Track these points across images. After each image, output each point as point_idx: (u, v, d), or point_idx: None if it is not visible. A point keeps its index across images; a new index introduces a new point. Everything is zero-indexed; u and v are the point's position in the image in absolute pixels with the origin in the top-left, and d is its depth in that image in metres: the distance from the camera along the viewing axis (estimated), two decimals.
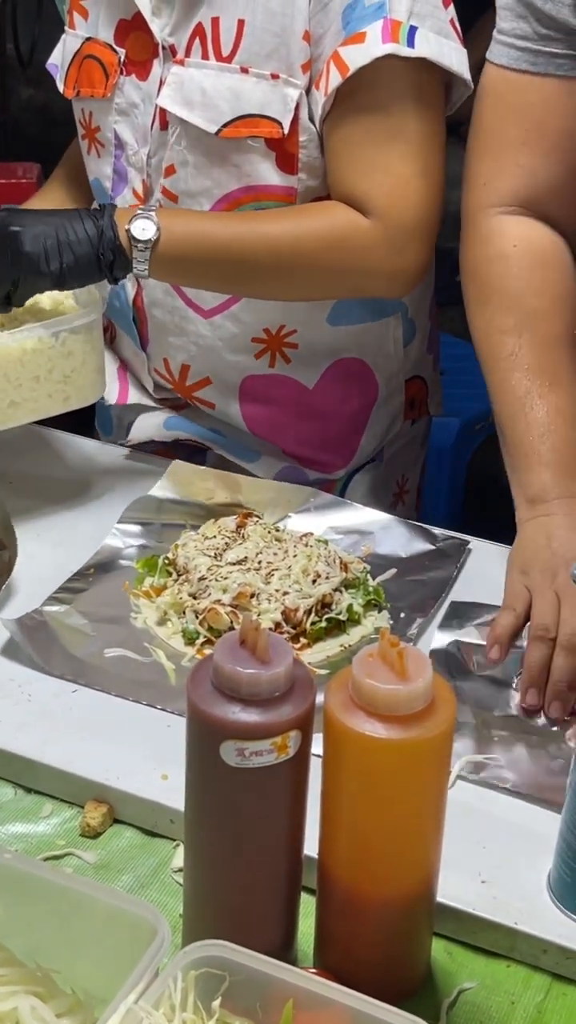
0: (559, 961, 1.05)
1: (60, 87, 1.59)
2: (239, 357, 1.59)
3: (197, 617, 1.33)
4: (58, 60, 1.60)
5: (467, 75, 1.43)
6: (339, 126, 1.43)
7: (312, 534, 1.44)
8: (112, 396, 1.68)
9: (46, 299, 1.53)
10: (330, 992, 0.89)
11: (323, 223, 1.44)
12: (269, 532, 1.43)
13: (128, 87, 1.51)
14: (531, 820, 1.14)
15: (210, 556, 1.38)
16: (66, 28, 1.58)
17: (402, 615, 1.38)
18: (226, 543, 1.41)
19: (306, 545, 1.40)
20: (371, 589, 1.39)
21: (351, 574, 1.39)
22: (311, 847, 1.00)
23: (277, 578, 1.35)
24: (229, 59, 1.43)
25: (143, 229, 1.40)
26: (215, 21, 1.43)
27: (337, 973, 0.97)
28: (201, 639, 1.32)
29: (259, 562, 1.37)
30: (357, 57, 1.37)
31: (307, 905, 1.04)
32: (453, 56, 1.41)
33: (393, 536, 1.49)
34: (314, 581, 1.35)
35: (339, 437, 1.65)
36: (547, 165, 1.39)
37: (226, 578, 1.34)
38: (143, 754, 1.20)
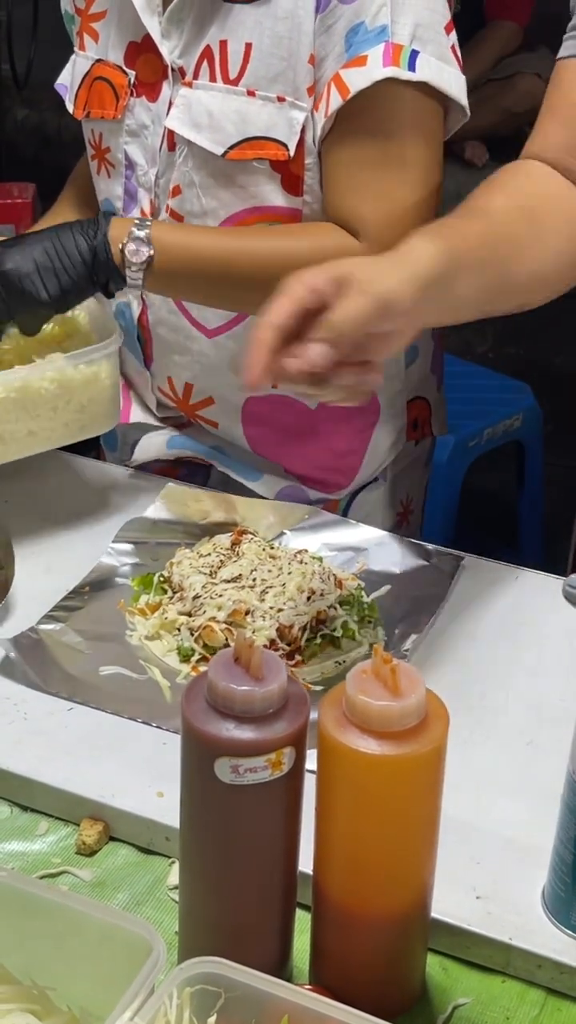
0: (554, 976, 1.05)
1: (70, 108, 1.60)
2: (240, 380, 1.59)
3: (192, 635, 1.34)
4: (67, 81, 1.61)
5: (465, 101, 1.43)
6: (337, 148, 1.43)
7: (307, 551, 1.44)
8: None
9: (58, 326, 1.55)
10: (325, 1009, 0.89)
11: (314, 243, 1.44)
12: (264, 549, 1.43)
13: (138, 108, 1.52)
14: (525, 835, 1.15)
15: (205, 574, 1.39)
16: (75, 50, 1.59)
17: (396, 631, 1.38)
18: (221, 561, 1.41)
19: (301, 562, 1.41)
20: (365, 606, 1.39)
21: (345, 591, 1.39)
22: (306, 863, 1.01)
23: (272, 595, 1.36)
24: (236, 82, 1.44)
25: (137, 251, 1.40)
26: (223, 44, 1.44)
27: (332, 989, 0.98)
28: (196, 656, 1.33)
29: (254, 579, 1.37)
30: (358, 80, 1.38)
31: (302, 921, 1.05)
32: (453, 82, 1.41)
33: (387, 553, 1.50)
34: (309, 598, 1.36)
35: (341, 458, 1.65)
36: (565, 133, 1.38)
37: (221, 595, 1.35)
38: (138, 772, 1.20)
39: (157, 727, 1.26)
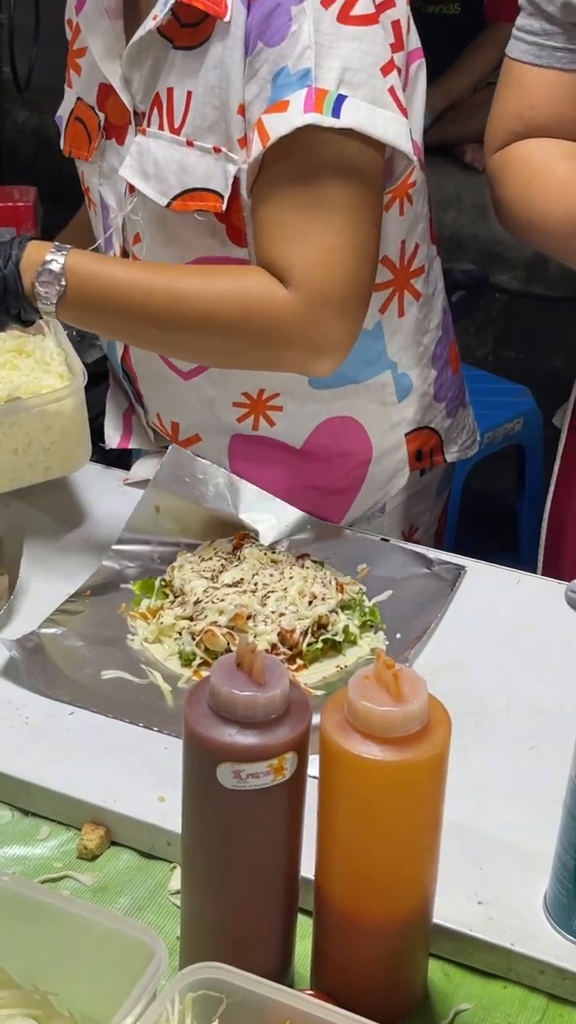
0: (556, 982, 1.05)
1: (61, 143, 1.59)
2: (223, 419, 1.58)
3: (194, 639, 1.34)
4: (63, 114, 1.60)
5: (404, 145, 1.36)
6: (264, 194, 1.37)
7: (308, 555, 1.44)
8: (113, 442, 1.69)
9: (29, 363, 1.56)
10: (327, 1014, 0.89)
11: (237, 286, 1.38)
12: (265, 554, 1.43)
13: (109, 151, 1.51)
14: (527, 840, 1.15)
15: (207, 578, 1.39)
16: (65, 85, 1.58)
17: (398, 636, 1.38)
18: (222, 565, 1.41)
19: (302, 566, 1.40)
20: (367, 610, 1.39)
21: (347, 595, 1.39)
22: (308, 869, 1.01)
23: (273, 600, 1.36)
24: (178, 131, 1.42)
25: (48, 283, 1.35)
26: (170, 92, 1.42)
27: (334, 995, 0.97)
28: (198, 661, 1.33)
29: (255, 584, 1.37)
30: (278, 126, 1.32)
31: (304, 927, 1.05)
32: (389, 126, 1.34)
33: (388, 559, 1.50)
34: (310, 602, 1.36)
35: (333, 494, 1.63)
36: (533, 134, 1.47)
37: (222, 600, 1.35)
38: (140, 777, 1.20)
39: (159, 731, 1.26)
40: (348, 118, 1.32)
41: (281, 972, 1.02)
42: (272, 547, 1.47)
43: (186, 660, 1.34)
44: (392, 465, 1.64)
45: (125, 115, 1.48)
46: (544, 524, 1.72)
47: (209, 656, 1.32)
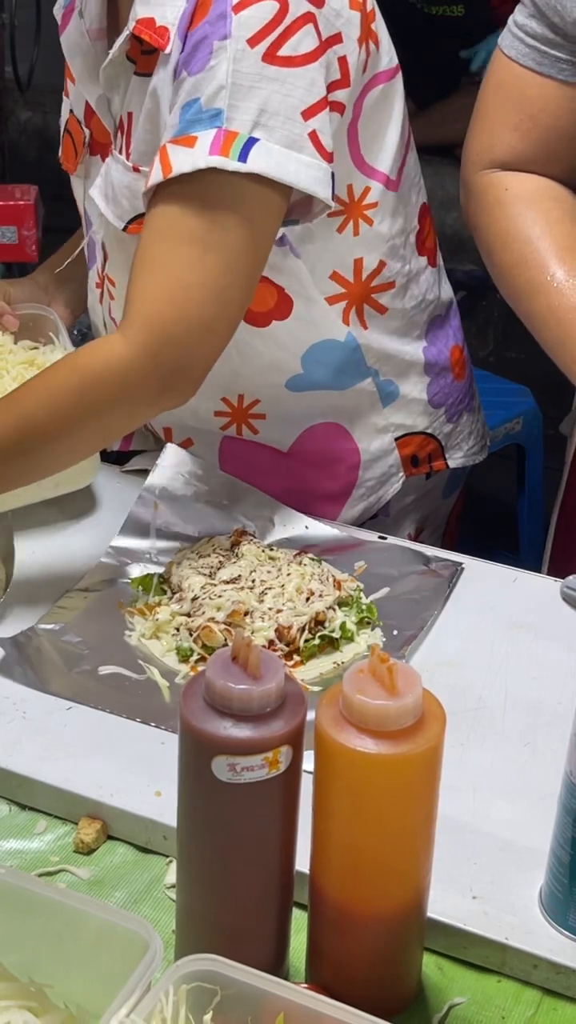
0: (550, 976, 1.06)
1: (59, 153, 1.60)
2: (208, 426, 1.59)
3: (191, 635, 1.34)
4: (61, 124, 1.60)
5: (320, 191, 1.32)
6: (149, 217, 1.35)
7: (306, 552, 1.45)
8: (115, 444, 1.69)
9: None
10: (321, 1007, 0.90)
11: (67, 369, 1.36)
12: (263, 551, 1.44)
13: (93, 168, 1.52)
14: (522, 836, 1.15)
15: (204, 575, 1.39)
16: (63, 94, 1.58)
17: (395, 633, 1.39)
18: (220, 562, 1.42)
19: (300, 564, 1.41)
20: (364, 607, 1.39)
21: (344, 592, 1.40)
22: (303, 863, 1.01)
23: (271, 596, 1.36)
24: (129, 156, 1.42)
25: None
26: (130, 116, 1.42)
27: (329, 988, 0.98)
28: (195, 657, 1.33)
29: (253, 580, 1.38)
30: (183, 161, 1.29)
31: (299, 921, 1.05)
32: (301, 172, 1.30)
33: (386, 557, 1.50)
34: (307, 599, 1.36)
35: (326, 496, 1.63)
36: (534, 152, 1.46)
37: (220, 596, 1.35)
38: (137, 771, 1.20)
39: (155, 727, 1.26)
40: (255, 163, 1.29)
41: (276, 966, 1.02)
42: (270, 544, 1.48)
43: (183, 656, 1.34)
44: (384, 469, 1.64)
45: (107, 134, 1.48)
46: (552, 529, 1.72)
47: (206, 652, 1.32)
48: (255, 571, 1.39)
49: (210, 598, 1.35)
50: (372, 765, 0.93)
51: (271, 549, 1.45)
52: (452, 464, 1.68)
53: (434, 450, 1.67)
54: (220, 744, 0.92)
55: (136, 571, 1.46)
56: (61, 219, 2.84)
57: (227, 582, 1.38)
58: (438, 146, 3.67)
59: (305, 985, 0.99)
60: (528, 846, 1.13)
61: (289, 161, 1.30)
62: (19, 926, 0.97)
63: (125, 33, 1.37)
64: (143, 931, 0.93)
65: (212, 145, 1.28)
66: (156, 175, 1.31)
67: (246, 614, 1.33)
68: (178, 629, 1.36)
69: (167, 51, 1.33)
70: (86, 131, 1.52)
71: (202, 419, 1.58)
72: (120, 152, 1.44)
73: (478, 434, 1.73)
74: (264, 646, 1.30)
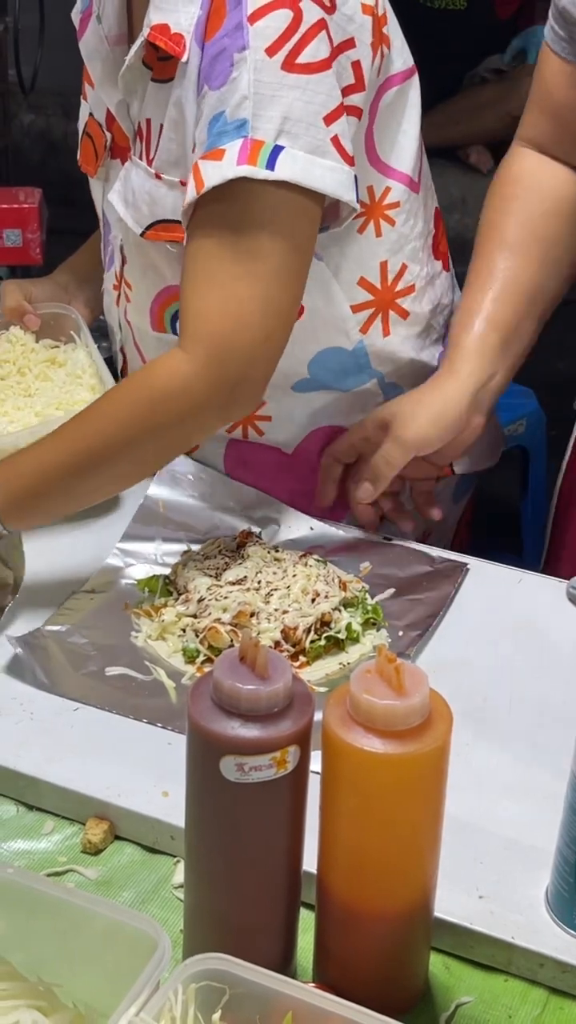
0: (556, 975, 1.06)
1: (78, 154, 1.60)
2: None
3: (197, 636, 1.34)
4: (80, 127, 1.61)
5: (345, 195, 1.35)
6: (192, 238, 1.37)
7: (311, 553, 1.45)
8: None
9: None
10: (329, 1005, 0.90)
11: (140, 395, 1.38)
12: (269, 552, 1.44)
13: (113, 171, 1.52)
14: (528, 835, 1.15)
15: (210, 576, 1.40)
16: (81, 97, 1.59)
17: (400, 633, 1.39)
18: (226, 563, 1.42)
19: (305, 565, 1.41)
20: (369, 608, 1.40)
21: (350, 593, 1.40)
22: (310, 863, 1.02)
23: (277, 597, 1.36)
24: (151, 163, 1.43)
25: None
26: (148, 122, 1.43)
27: (336, 988, 0.98)
28: (202, 658, 1.34)
29: (258, 582, 1.38)
30: (212, 174, 1.31)
31: (306, 920, 1.05)
32: (327, 177, 1.33)
33: (391, 557, 1.50)
34: (313, 600, 1.36)
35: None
36: (553, 130, 1.53)
37: (226, 597, 1.36)
38: (144, 772, 1.21)
39: (162, 727, 1.26)
40: (283, 170, 1.30)
41: (283, 965, 1.03)
42: (275, 546, 1.48)
43: (190, 657, 1.34)
44: None
45: (127, 138, 1.49)
46: (548, 527, 1.73)
47: (213, 653, 1.33)
48: (261, 572, 1.40)
49: (216, 599, 1.36)
50: (379, 764, 0.93)
51: (276, 550, 1.46)
52: (458, 470, 1.69)
53: None
54: (228, 744, 0.93)
55: (142, 572, 1.46)
56: (65, 222, 2.85)
57: (233, 583, 1.38)
58: (441, 148, 3.68)
59: (312, 984, 1.00)
60: (534, 845, 1.14)
61: (314, 167, 1.32)
62: (28, 925, 0.98)
63: (140, 39, 1.38)
64: (151, 930, 0.93)
65: (240, 155, 1.30)
66: (191, 193, 1.33)
67: (252, 615, 1.34)
68: (184, 630, 1.36)
69: (184, 59, 1.34)
70: (107, 134, 1.52)
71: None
72: (140, 158, 1.45)
73: (487, 440, 1.73)
74: (270, 647, 1.30)
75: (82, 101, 1.59)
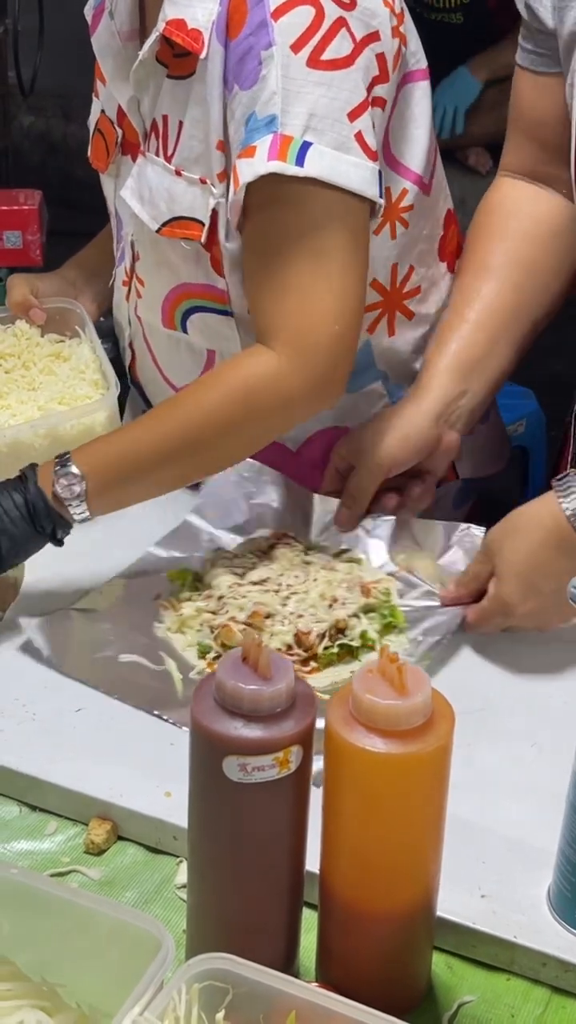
0: (558, 974, 1.06)
1: (89, 151, 1.61)
2: None
3: (212, 632, 1.35)
4: (90, 123, 1.61)
5: (369, 191, 1.36)
6: (251, 242, 1.39)
7: (349, 550, 1.45)
8: None
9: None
10: (333, 1004, 0.90)
11: (234, 387, 1.40)
12: (299, 554, 1.44)
13: (124, 167, 1.53)
14: (530, 835, 1.16)
15: (237, 575, 1.40)
16: (93, 94, 1.60)
17: (420, 639, 1.37)
18: (254, 563, 1.42)
19: (332, 569, 1.40)
20: (386, 612, 1.38)
21: (372, 598, 1.38)
22: (312, 863, 1.02)
23: (294, 601, 1.36)
24: (169, 159, 1.44)
25: (68, 487, 1.35)
26: (165, 119, 1.44)
27: (339, 987, 0.98)
28: (213, 654, 1.34)
29: (280, 584, 1.38)
30: (246, 172, 1.33)
31: (309, 920, 1.05)
32: (352, 173, 1.34)
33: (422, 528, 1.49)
34: (330, 606, 1.36)
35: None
36: (533, 147, 1.52)
37: (244, 597, 1.36)
38: (146, 772, 1.21)
39: (158, 716, 1.27)
40: (311, 167, 1.32)
41: (286, 965, 1.03)
42: (309, 547, 1.47)
43: (202, 652, 1.35)
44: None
45: (138, 134, 1.49)
46: None
47: (224, 650, 1.32)
48: (284, 574, 1.40)
49: (235, 598, 1.36)
50: (381, 764, 0.94)
51: (306, 553, 1.45)
52: (461, 474, 1.69)
53: None
54: (231, 744, 0.93)
55: (176, 563, 1.47)
56: (65, 224, 2.85)
57: (255, 583, 1.38)
58: (441, 149, 3.68)
59: (315, 984, 1.00)
60: (536, 845, 1.14)
61: (340, 163, 1.34)
62: (31, 926, 0.98)
63: (155, 35, 1.39)
64: (155, 930, 0.93)
65: (270, 151, 1.32)
66: (232, 193, 1.36)
67: (267, 616, 1.33)
68: (203, 626, 1.36)
69: (203, 56, 1.35)
70: (118, 131, 1.53)
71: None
72: (156, 154, 1.45)
73: (491, 445, 1.73)
74: (281, 650, 1.31)
75: (94, 98, 1.59)
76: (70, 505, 1.35)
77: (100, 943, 0.96)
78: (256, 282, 1.41)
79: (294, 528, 1.51)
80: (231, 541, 1.49)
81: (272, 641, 1.32)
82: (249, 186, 1.34)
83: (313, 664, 1.33)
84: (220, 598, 1.37)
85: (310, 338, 1.38)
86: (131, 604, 1.41)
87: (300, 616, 1.34)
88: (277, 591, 1.37)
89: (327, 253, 1.37)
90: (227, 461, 1.48)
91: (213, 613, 1.37)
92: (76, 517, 1.36)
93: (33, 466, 1.38)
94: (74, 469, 1.35)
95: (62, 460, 1.36)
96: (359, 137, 1.35)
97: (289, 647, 1.32)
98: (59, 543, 1.38)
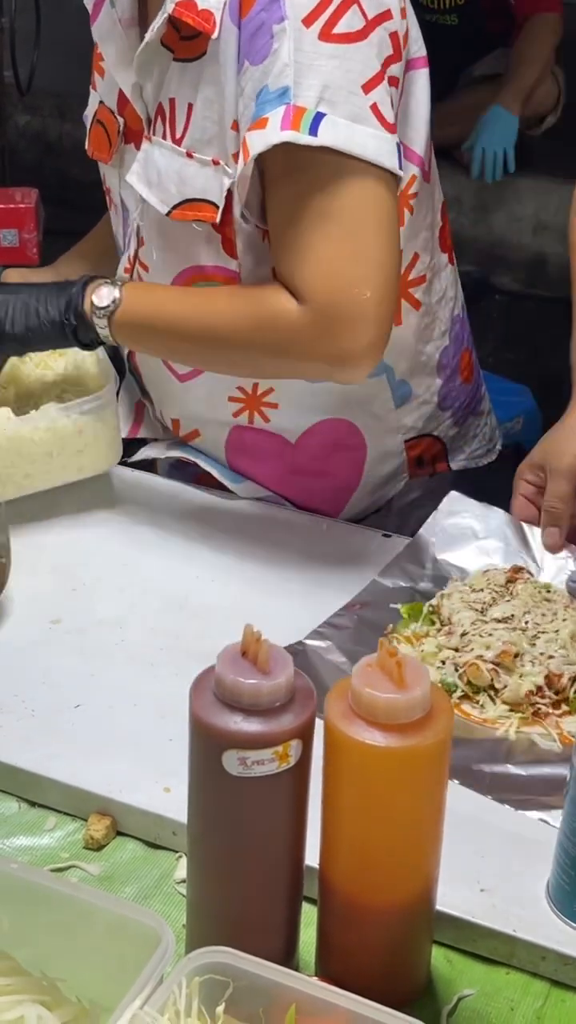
0: (558, 968, 1.06)
1: (86, 144, 1.61)
2: (219, 415, 1.60)
3: (457, 670, 1.30)
4: (88, 116, 1.61)
5: (387, 161, 1.34)
6: (272, 210, 1.40)
7: None
8: (124, 431, 1.70)
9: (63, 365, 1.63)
10: (332, 997, 0.90)
11: (255, 305, 1.41)
12: (539, 591, 1.40)
13: (128, 155, 1.53)
14: (529, 829, 1.16)
15: (476, 610, 1.35)
16: (90, 87, 1.60)
17: None
18: (492, 598, 1.37)
19: None
20: None
21: None
22: (312, 858, 1.02)
23: (543, 641, 1.31)
24: (179, 142, 1.44)
25: (103, 297, 1.44)
26: (172, 102, 1.44)
27: (338, 981, 0.98)
28: (459, 692, 1.29)
29: (525, 622, 1.34)
30: (257, 143, 1.33)
31: (308, 914, 1.06)
32: (368, 143, 1.33)
33: None
34: None
35: (327, 492, 1.64)
36: None
37: (490, 635, 1.31)
38: (145, 768, 1.21)
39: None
40: (325, 136, 1.31)
41: (286, 958, 1.03)
42: (546, 585, 1.43)
43: (447, 690, 1.29)
44: (390, 469, 1.65)
45: (141, 121, 1.49)
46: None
47: (470, 689, 1.29)
48: (529, 612, 1.35)
49: (480, 635, 1.31)
50: (381, 758, 0.94)
51: (547, 591, 1.40)
52: (454, 466, 1.69)
53: (438, 452, 1.68)
54: (230, 738, 0.93)
55: (407, 597, 1.43)
56: (60, 222, 2.85)
57: (499, 620, 1.34)
58: (436, 148, 3.68)
59: (315, 978, 1.00)
60: (535, 839, 1.14)
61: (355, 133, 1.33)
62: (31, 921, 0.98)
63: (162, 17, 1.39)
64: (155, 924, 0.93)
65: (283, 121, 1.32)
66: (240, 165, 1.36)
67: (516, 656, 1.29)
68: (444, 662, 1.32)
69: (215, 36, 1.35)
70: (120, 119, 1.53)
71: (215, 406, 1.59)
72: (164, 138, 1.45)
73: (484, 437, 1.74)
74: (532, 692, 1.27)
75: (91, 91, 1.59)
76: (96, 315, 1.44)
77: (100, 938, 0.96)
78: (283, 247, 1.39)
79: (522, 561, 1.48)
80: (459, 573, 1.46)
81: (522, 682, 1.27)
82: (264, 159, 1.34)
83: (564, 707, 1.28)
84: (463, 635, 1.32)
85: (330, 301, 1.35)
86: (363, 636, 1.36)
87: (551, 657, 1.30)
88: (524, 630, 1.32)
89: (351, 220, 1.35)
90: (227, 367, 1.50)
91: (455, 650, 1.32)
92: (99, 331, 1.45)
93: (91, 277, 1.48)
94: (116, 292, 1.44)
95: (112, 280, 1.46)
96: (375, 108, 1.34)
97: (539, 689, 1.28)
98: (83, 346, 1.48)
